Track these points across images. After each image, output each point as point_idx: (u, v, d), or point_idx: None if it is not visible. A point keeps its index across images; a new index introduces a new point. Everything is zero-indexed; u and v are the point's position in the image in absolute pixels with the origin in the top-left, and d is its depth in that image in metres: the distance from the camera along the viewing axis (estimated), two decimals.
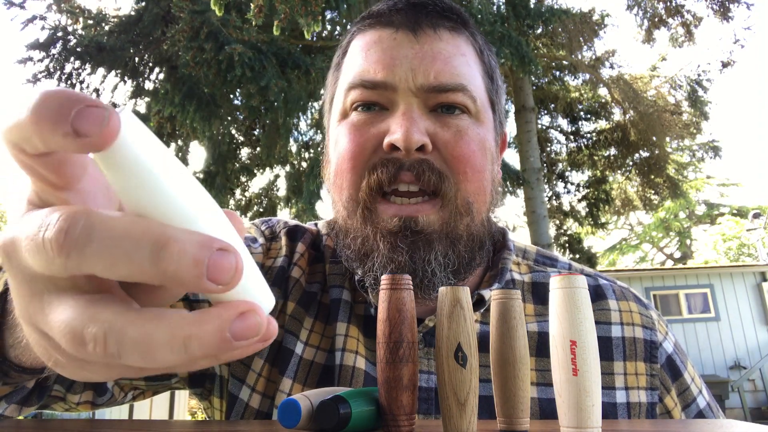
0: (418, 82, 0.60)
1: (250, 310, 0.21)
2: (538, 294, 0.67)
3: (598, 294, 0.68)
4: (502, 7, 6.74)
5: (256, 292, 0.23)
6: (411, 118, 0.58)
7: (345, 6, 5.42)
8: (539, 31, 7.99)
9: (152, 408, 7.88)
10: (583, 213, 10.22)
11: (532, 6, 6.87)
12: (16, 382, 0.42)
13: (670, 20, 9.33)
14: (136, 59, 6.83)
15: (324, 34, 7.32)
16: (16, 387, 0.45)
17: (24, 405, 0.53)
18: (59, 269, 0.20)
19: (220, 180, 7.57)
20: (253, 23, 5.05)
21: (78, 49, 6.45)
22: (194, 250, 0.19)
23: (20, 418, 0.56)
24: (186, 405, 9.55)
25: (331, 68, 0.72)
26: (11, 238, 0.22)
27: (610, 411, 0.60)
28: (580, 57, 9.42)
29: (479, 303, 0.63)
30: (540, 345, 0.62)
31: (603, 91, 10.10)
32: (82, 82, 6.69)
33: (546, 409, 0.58)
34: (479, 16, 5.68)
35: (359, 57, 0.64)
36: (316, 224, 0.76)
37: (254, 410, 0.61)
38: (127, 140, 0.19)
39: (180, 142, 7.60)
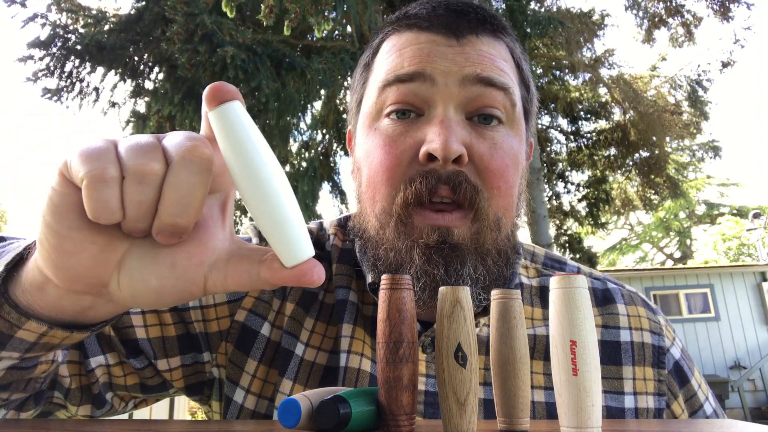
0: (464, 72, 0.57)
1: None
2: (547, 298, 0.66)
3: (606, 298, 0.67)
4: (501, 12, 6.75)
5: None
6: (449, 127, 0.56)
7: (345, 6, 5.41)
8: (538, 32, 7.99)
9: (152, 408, 7.89)
10: (583, 213, 10.20)
11: (529, 13, 6.87)
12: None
13: (670, 20, 9.33)
14: (136, 58, 6.81)
15: (324, 34, 7.31)
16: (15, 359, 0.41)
17: (21, 410, 0.53)
18: None
19: None
20: (264, 24, 5.02)
21: (78, 48, 6.43)
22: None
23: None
24: (186, 405, 9.55)
25: (358, 68, 0.69)
26: None
27: (618, 416, 0.60)
28: (580, 57, 9.41)
29: (489, 309, 0.62)
30: (549, 349, 0.61)
31: (603, 91, 10.09)
32: (81, 81, 6.67)
33: (554, 413, 0.57)
34: None
35: (393, 55, 0.61)
36: (320, 223, 0.75)
37: (250, 411, 0.60)
38: (239, 109, 0.32)
39: None
